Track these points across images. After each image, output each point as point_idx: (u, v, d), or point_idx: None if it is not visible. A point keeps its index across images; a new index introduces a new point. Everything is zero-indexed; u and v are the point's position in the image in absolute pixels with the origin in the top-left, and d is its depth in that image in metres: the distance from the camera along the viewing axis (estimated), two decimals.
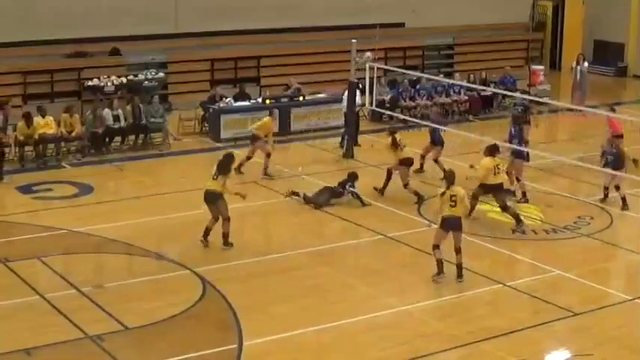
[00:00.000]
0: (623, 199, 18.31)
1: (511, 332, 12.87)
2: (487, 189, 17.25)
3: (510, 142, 18.74)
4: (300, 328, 12.89)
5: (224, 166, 15.89)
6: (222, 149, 22.82)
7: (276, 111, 22.09)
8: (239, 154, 21.99)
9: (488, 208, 18.11)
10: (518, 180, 18.76)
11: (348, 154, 22.00)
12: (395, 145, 18.67)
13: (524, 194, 18.77)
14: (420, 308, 13.68)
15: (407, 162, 18.75)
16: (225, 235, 15.89)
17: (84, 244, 16.26)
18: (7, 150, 20.54)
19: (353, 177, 18.76)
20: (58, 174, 20.70)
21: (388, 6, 30.38)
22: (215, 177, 15.75)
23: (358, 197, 18.47)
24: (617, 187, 18.35)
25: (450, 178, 14.68)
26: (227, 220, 15.83)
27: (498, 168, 16.99)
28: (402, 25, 31.38)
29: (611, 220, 17.86)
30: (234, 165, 17.54)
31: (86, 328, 12.71)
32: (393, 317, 13.41)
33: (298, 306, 13.69)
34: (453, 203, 14.36)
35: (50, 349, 12.18)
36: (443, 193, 14.51)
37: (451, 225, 14.47)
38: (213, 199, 15.78)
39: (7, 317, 13.26)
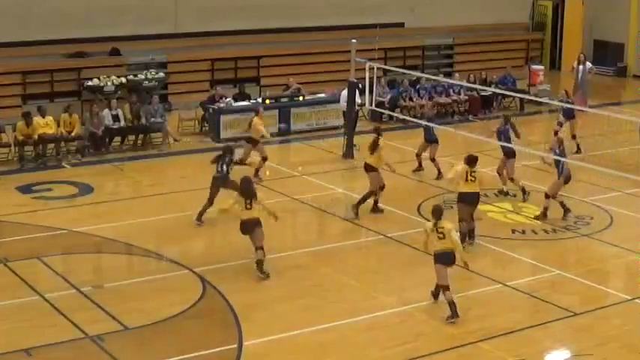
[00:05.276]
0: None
1: (511, 332, 12.87)
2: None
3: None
4: (300, 328, 12.89)
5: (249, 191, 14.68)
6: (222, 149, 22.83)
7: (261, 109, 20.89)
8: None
9: (489, 208, 18.13)
10: (512, 179, 18.80)
11: (348, 154, 21.97)
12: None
13: (523, 190, 18.79)
14: (420, 308, 13.66)
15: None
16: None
17: (84, 244, 16.25)
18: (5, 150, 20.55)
19: (229, 151, 17.40)
20: (58, 174, 20.69)
21: (388, 6, 30.38)
22: (249, 205, 14.61)
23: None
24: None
25: (437, 212, 13.43)
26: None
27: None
28: (401, 25, 31.37)
29: (611, 220, 17.86)
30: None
31: (86, 328, 12.71)
32: (393, 317, 13.41)
33: (298, 306, 13.68)
34: (441, 235, 13.25)
35: (50, 349, 12.18)
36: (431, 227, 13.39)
37: (447, 259, 13.29)
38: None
39: (7, 317, 13.26)
